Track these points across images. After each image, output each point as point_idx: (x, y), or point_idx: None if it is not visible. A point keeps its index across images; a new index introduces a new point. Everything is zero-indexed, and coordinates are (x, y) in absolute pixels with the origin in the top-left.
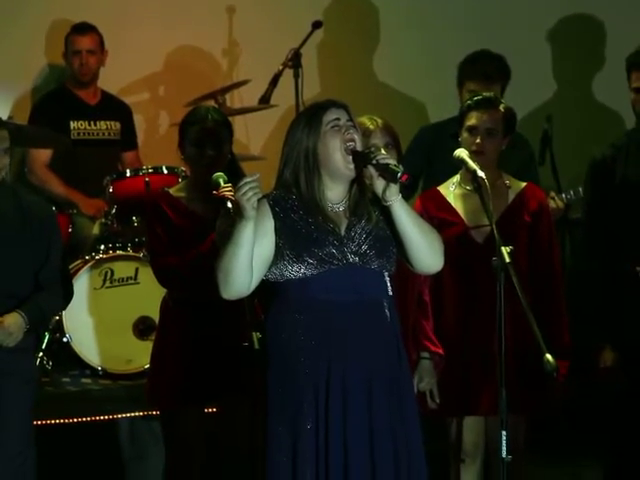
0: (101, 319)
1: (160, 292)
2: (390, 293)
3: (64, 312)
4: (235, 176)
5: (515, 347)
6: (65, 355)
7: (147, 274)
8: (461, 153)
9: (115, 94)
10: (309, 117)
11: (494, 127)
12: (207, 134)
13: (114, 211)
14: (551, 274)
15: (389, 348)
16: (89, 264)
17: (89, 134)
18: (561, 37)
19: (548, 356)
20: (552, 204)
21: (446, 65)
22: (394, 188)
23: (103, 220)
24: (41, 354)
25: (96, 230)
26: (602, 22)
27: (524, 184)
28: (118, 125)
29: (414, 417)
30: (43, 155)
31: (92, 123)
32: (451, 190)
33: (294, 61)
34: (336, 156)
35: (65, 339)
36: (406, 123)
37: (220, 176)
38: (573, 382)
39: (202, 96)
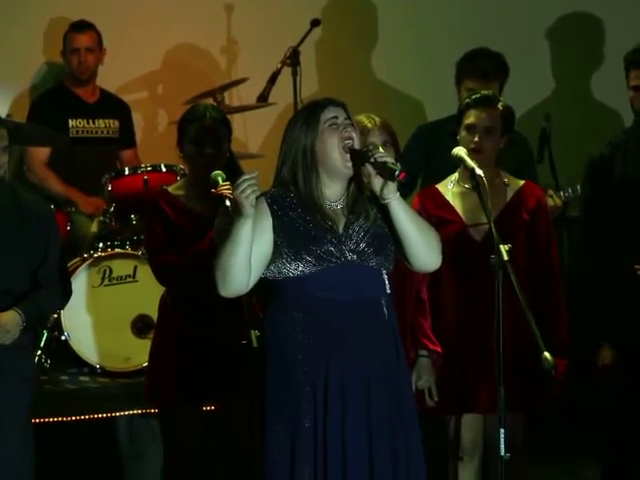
0: (99, 317)
1: (159, 290)
2: (388, 291)
3: (62, 310)
4: (234, 174)
5: (513, 345)
6: (63, 353)
7: (146, 272)
8: (459, 151)
9: (114, 92)
10: (307, 115)
11: (492, 125)
12: (206, 132)
13: (112, 209)
14: (549, 272)
15: (387, 346)
16: (87, 262)
17: (88, 132)
18: (560, 35)
19: (546, 354)
20: (550, 202)
21: (444, 63)
22: (392, 186)
23: (102, 218)
24: (39, 352)
25: (94, 228)
26: (600, 20)
27: (522, 182)
28: (117, 123)
29: (412, 415)
30: (42, 153)
31: (91, 121)
32: (449, 188)
33: (292, 59)
34: (334, 154)
35: (63, 337)
36: (404, 121)
37: (219, 174)
38: (571, 380)
39: (201, 94)
